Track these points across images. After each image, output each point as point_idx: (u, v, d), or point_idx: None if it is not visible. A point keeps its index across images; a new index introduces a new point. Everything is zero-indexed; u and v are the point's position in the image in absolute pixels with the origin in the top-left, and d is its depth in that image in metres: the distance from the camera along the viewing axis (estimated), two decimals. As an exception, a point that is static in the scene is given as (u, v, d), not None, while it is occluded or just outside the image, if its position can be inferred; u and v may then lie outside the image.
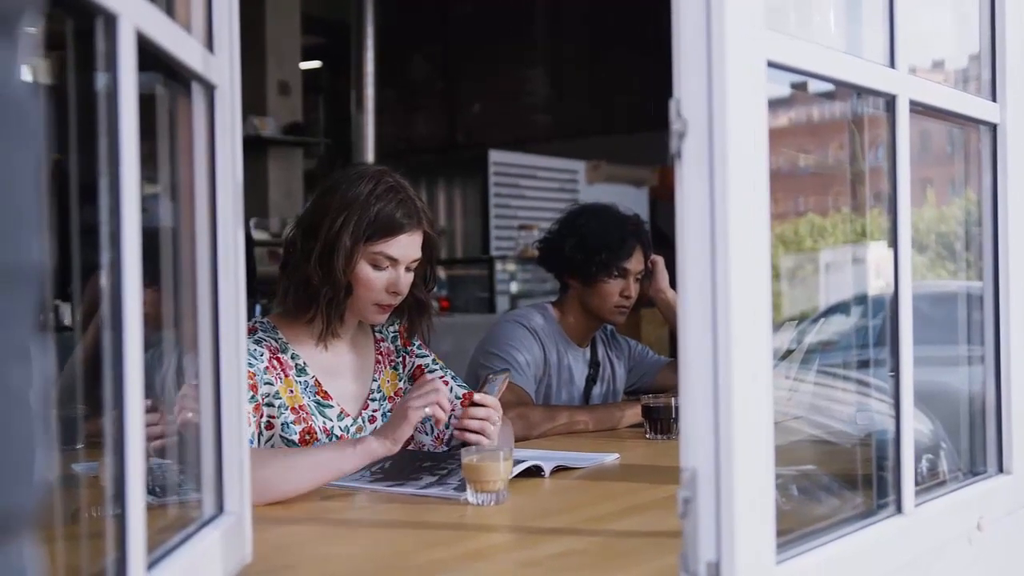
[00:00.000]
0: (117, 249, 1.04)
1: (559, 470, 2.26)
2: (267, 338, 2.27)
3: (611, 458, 2.43)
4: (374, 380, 2.42)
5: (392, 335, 2.50)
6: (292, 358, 2.29)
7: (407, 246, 2.28)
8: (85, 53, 1.05)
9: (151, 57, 1.15)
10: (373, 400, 2.40)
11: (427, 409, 2.04)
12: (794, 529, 1.39)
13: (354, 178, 2.28)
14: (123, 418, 1.04)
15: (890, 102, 1.59)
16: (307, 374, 2.29)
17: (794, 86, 1.54)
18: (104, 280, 1.05)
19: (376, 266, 2.26)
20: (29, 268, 0.61)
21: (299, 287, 2.27)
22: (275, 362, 2.24)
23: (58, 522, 1.20)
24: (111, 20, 1.03)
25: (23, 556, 0.61)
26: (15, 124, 0.59)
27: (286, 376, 2.26)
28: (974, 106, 1.86)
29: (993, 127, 1.90)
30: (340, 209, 2.24)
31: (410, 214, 2.27)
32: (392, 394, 2.44)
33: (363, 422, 2.36)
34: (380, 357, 2.45)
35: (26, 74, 0.62)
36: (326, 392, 2.31)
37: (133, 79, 1.06)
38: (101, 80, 1.05)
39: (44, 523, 0.65)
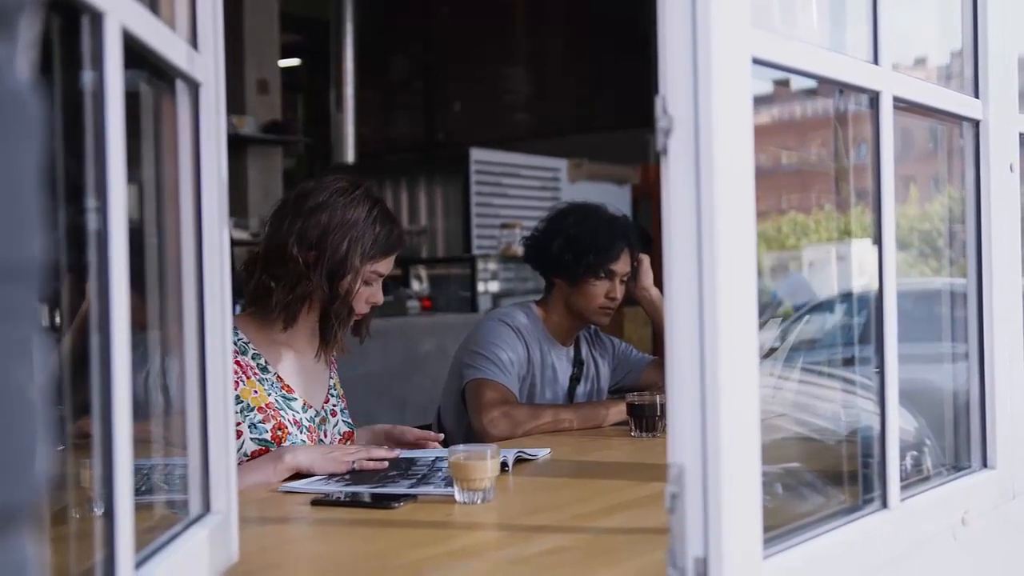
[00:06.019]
0: (104, 249, 1.04)
1: (519, 461, 2.31)
2: None
3: (544, 452, 2.46)
4: (331, 378, 2.55)
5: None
6: (253, 358, 2.37)
7: (392, 263, 2.45)
8: (70, 50, 1.05)
9: (135, 54, 1.14)
10: (332, 395, 2.53)
11: (355, 465, 2.20)
12: (781, 524, 1.39)
13: (346, 198, 2.36)
14: (111, 418, 1.04)
15: (874, 98, 1.59)
16: (269, 372, 2.38)
17: (776, 83, 1.54)
18: (89, 280, 1.04)
19: (366, 283, 2.39)
20: (30, 264, 0.61)
21: (300, 301, 2.36)
22: (235, 365, 2.27)
23: (43, 522, 1.19)
24: (97, 18, 1.02)
25: (25, 550, 0.61)
26: (16, 120, 0.59)
27: (248, 378, 2.33)
28: (957, 102, 1.87)
29: (976, 123, 1.91)
30: (341, 230, 2.34)
31: (401, 234, 2.44)
32: (341, 394, 2.58)
33: (326, 414, 2.48)
34: (332, 358, 2.57)
35: (25, 71, 0.62)
36: (289, 386, 2.40)
37: (119, 77, 1.05)
38: (86, 78, 1.05)
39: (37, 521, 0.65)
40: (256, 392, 2.32)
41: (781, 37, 1.38)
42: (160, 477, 1.51)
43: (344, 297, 2.35)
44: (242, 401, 2.29)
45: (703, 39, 1.20)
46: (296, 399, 2.39)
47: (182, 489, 1.43)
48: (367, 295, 2.40)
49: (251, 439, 2.28)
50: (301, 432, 2.35)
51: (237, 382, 2.28)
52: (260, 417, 2.30)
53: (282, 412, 2.34)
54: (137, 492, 1.13)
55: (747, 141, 1.26)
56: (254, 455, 2.27)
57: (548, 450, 2.47)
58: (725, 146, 1.21)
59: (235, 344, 2.33)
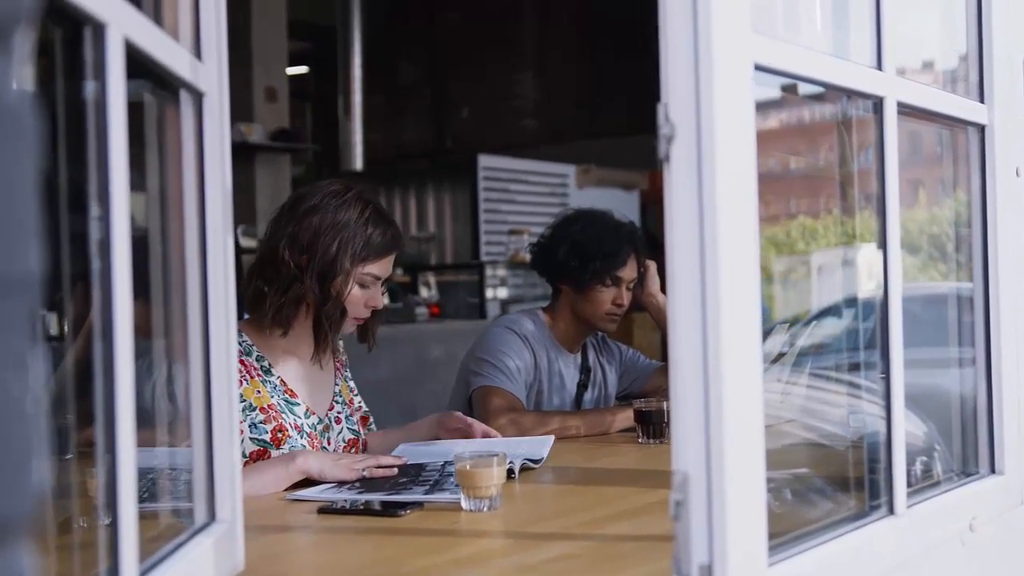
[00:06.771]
0: (107, 258, 1.04)
1: (525, 469, 2.30)
2: None
3: (549, 441, 2.49)
4: (336, 385, 2.54)
5: (342, 348, 2.64)
6: (257, 360, 2.37)
7: (390, 264, 2.44)
8: (72, 61, 1.05)
9: (138, 64, 1.15)
10: (337, 402, 2.52)
11: (365, 472, 2.19)
12: (787, 531, 1.39)
13: (338, 200, 2.37)
14: (114, 427, 1.04)
15: (878, 104, 1.59)
16: (273, 375, 2.38)
17: (784, 88, 1.54)
18: (94, 289, 1.05)
19: (362, 285, 2.39)
20: (26, 276, 0.61)
21: (293, 304, 2.35)
22: (239, 365, 2.28)
23: (49, 532, 1.19)
24: (99, 29, 1.02)
25: (21, 562, 0.61)
26: (12, 133, 0.59)
27: (252, 378, 2.34)
28: (962, 107, 1.87)
29: (981, 128, 1.90)
30: (332, 231, 2.34)
31: (396, 236, 2.43)
32: (347, 400, 2.56)
33: (330, 421, 2.48)
34: (338, 365, 2.57)
35: (22, 83, 0.62)
36: (292, 391, 2.40)
37: (122, 87, 1.06)
38: (89, 88, 1.05)
39: (37, 532, 0.65)
40: (259, 392, 2.33)
41: (783, 43, 1.38)
42: (166, 483, 1.51)
43: (335, 299, 2.35)
44: (244, 400, 2.29)
45: (704, 45, 1.20)
46: (299, 404, 2.39)
47: (187, 495, 1.43)
48: (365, 298, 2.39)
49: (251, 439, 2.29)
50: (301, 437, 2.35)
51: (240, 381, 2.28)
52: (261, 417, 2.31)
53: (284, 415, 2.34)
54: (141, 500, 1.13)
55: (749, 147, 1.26)
56: (253, 456, 2.27)
57: (551, 437, 2.51)
58: (727, 152, 1.21)
59: (240, 345, 2.33)
